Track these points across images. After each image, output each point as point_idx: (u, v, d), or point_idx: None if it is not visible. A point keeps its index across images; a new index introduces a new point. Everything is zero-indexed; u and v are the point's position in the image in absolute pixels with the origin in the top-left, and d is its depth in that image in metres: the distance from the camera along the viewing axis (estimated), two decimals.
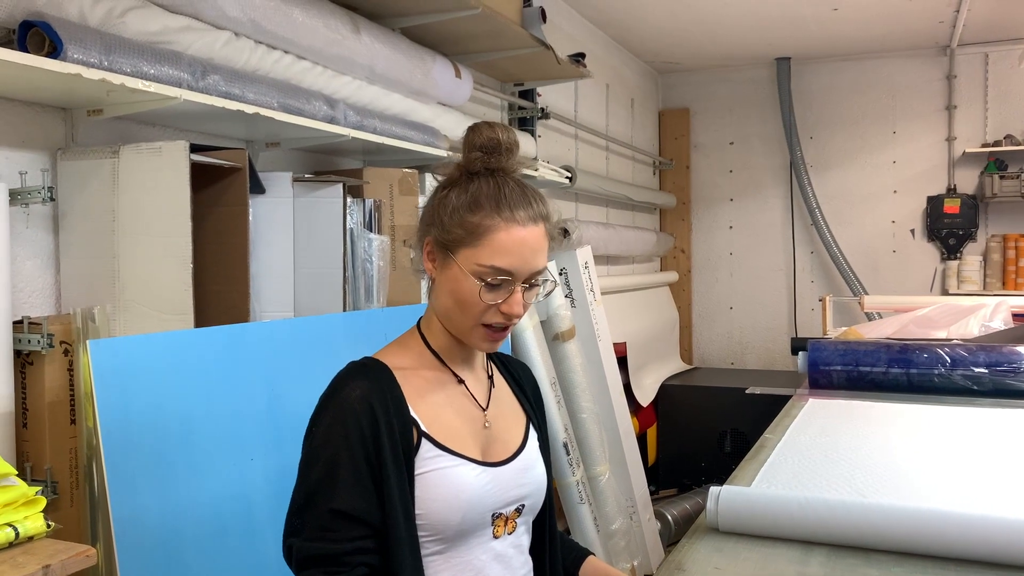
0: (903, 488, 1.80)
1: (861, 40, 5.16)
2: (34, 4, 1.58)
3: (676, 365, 5.58)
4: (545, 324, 3.43)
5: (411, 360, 1.19)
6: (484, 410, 1.22)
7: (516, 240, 1.12)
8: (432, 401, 1.17)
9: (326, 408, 1.12)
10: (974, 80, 5.33)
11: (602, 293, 4.02)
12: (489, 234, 1.11)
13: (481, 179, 1.15)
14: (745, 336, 5.93)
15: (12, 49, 1.48)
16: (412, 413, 1.13)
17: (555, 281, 1.20)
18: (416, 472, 1.11)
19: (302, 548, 1.06)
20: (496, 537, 1.17)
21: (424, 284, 1.25)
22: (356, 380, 1.13)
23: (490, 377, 1.27)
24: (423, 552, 1.11)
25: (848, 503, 1.57)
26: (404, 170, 2.47)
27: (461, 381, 1.21)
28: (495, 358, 1.33)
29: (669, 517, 4.13)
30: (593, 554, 1.39)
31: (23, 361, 1.66)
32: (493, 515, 1.16)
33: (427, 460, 1.11)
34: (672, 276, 5.91)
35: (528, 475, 1.21)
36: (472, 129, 1.18)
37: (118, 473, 1.52)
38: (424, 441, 1.12)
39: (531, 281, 1.15)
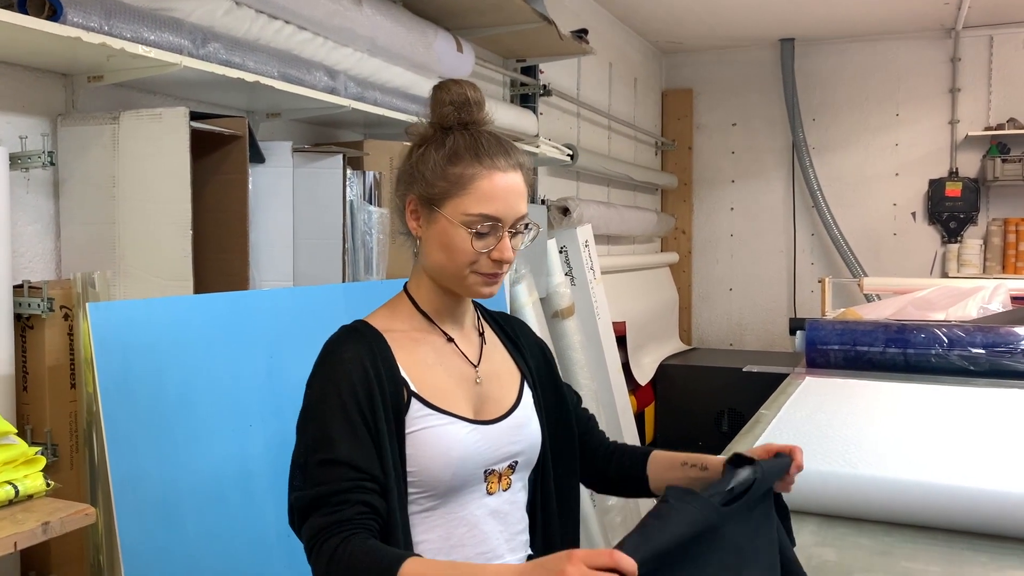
0: (896, 462, 1.82)
1: (865, 21, 5.13)
2: None
3: (675, 345, 5.59)
4: (545, 301, 3.44)
5: (400, 322, 1.21)
6: (475, 366, 1.23)
7: (500, 186, 1.15)
8: (422, 361, 1.18)
9: (320, 370, 1.14)
10: (978, 63, 5.31)
11: (602, 272, 4.02)
12: (473, 182, 1.14)
13: (456, 133, 1.18)
14: (744, 317, 5.94)
15: (12, 11, 1.48)
16: (403, 374, 1.15)
17: (538, 225, 1.23)
18: (407, 431, 1.12)
19: (300, 497, 1.07)
20: (490, 493, 1.19)
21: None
22: (348, 343, 1.15)
23: (481, 334, 1.28)
24: (418, 508, 1.13)
25: (840, 474, 1.58)
26: (405, 143, 2.46)
27: (450, 339, 1.23)
28: (488, 316, 1.34)
29: None
30: (656, 449, 1.35)
31: (23, 325, 1.67)
32: (486, 471, 1.17)
33: (417, 419, 1.13)
34: (673, 257, 5.92)
35: (522, 432, 1.22)
36: (439, 87, 1.21)
37: (118, 437, 1.54)
38: (414, 400, 1.14)
39: (516, 227, 1.17)
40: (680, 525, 0.92)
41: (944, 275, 5.26)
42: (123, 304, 1.65)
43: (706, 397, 4.82)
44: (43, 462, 1.39)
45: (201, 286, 1.81)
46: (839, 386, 2.70)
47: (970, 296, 3.71)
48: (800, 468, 1.17)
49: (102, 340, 1.53)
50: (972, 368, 2.88)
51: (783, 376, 2.99)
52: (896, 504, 1.49)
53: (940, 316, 3.59)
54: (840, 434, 2.05)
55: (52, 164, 1.70)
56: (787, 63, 5.59)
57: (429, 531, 1.14)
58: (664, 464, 1.29)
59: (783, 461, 1.15)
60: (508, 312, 3.07)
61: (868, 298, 4.83)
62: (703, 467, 1.23)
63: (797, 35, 5.51)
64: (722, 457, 1.23)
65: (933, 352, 2.94)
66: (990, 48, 5.27)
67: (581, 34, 3.67)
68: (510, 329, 1.34)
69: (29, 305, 1.64)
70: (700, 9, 4.87)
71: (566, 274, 3.68)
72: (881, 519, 1.50)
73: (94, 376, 1.52)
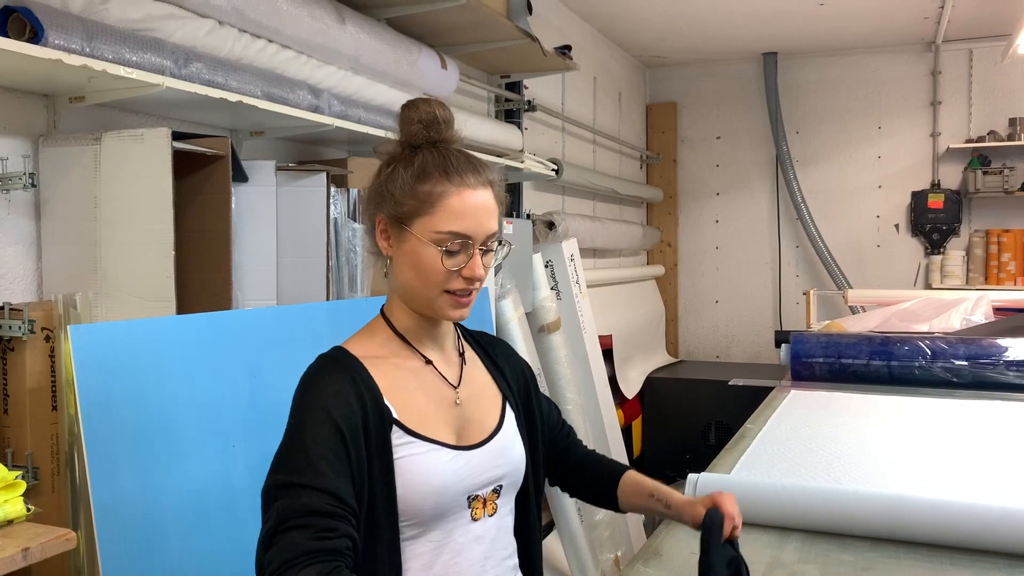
0: (880, 476, 1.83)
1: (847, 35, 5.18)
2: None
3: (662, 358, 5.60)
4: (531, 316, 3.44)
5: (378, 347, 1.19)
6: (455, 388, 1.22)
7: (469, 203, 1.14)
8: (402, 387, 1.16)
9: (301, 401, 1.11)
10: (958, 76, 5.37)
11: (588, 286, 4.03)
12: (442, 200, 1.13)
13: (424, 151, 1.17)
14: (731, 329, 5.95)
15: None
16: (385, 401, 1.13)
17: (510, 243, 1.22)
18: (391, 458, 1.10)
19: (284, 509, 1.01)
20: (475, 519, 1.17)
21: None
22: (328, 374, 1.13)
23: (461, 355, 1.27)
24: (402, 536, 1.12)
25: (824, 490, 1.59)
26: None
27: (429, 362, 1.21)
28: (469, 337, 1.33)
29: None
30: (632, 469, 1.38)
31: (4, 347, 1.65)
32: (469, 497, 1.16)
33: (399, 447, 1.12)
34: (658, 270, 5.93)
35: (505, 455, 1.21)
36: (408, 106, 1.20)
37: (99, 459, 1.52)
38: (396, 428, 1.12)
39: (487, 245, 1.16)
40: None
41: (927, 286, 5.30)
42: (105, 326, 1.64)
43: (693, 410, 4.83)
44: (23, 487, 1.38)
45: (184, 306, 1.81)
46: (824, 399, 2.71)
47: (953, 307, 3.74)
48: (732, 519, 1.20)
49: (83, 362, 1.52)
50: (955, 380, 2.90)
51: (769, 389, 3.00)
52: (879, 520, 1.49)
53: (924, 328, 3.61)
54: (825, 448, 2.06)
55: (34, 185, 1.70)
56: (770, 76, 5.63)
57: (413, 559, 1.12)
58: (633, 489, 1.34)
59: (716, 520, 1.19)
60: (495, 327, 3.08)
61: (853, 310, 4.86)
62: (666, 505, 1.29)
63: (780, 49, 5.56)
64: (686, 497, 1.30)
65: (917, 364, 2.96)
66: (970, 61, 5.33)
67: (565, 50, 3.69)
68: (491, 349, 1.33)
69: (10, 327, 1.63)
70: (683, 24, 4.91)
71: (552, 288, 3.69)
72: (864, 534, 1.51)
73: (76, 398, 1.51)
